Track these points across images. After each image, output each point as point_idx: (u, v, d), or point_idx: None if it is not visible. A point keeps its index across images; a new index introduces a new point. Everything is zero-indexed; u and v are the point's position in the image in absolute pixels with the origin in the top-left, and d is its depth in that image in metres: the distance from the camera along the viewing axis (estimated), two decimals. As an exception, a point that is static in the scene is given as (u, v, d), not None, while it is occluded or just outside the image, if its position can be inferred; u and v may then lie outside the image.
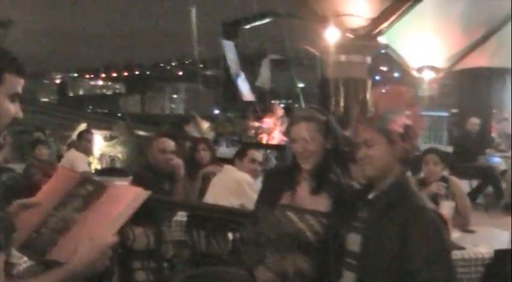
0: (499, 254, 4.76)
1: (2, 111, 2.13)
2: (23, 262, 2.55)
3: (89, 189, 2.48)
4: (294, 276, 3.51)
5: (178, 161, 6.69)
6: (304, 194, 3.61)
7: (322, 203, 3.53)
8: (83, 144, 10.50)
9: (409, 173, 3.24)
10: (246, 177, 6.58)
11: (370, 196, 3.18)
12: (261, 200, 3.83)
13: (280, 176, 3.80)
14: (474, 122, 13.20)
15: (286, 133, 3.76)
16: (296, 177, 3.66)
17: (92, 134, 11.29)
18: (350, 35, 14.27)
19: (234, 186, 6.35)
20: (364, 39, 14.29)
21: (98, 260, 2.21)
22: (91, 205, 2.42)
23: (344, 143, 3.64)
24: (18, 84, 2.16)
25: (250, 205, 5.51)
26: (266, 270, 3.59)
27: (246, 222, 3.85)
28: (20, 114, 2.20)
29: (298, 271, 3.49)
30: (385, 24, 14.28)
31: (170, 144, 6.61)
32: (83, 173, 3.01)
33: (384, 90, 3.33)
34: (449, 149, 12.95)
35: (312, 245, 3.45)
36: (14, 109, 2.16)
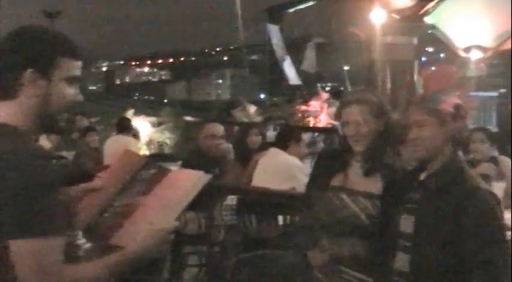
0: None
1: (59, 95, 2.16)
2: (88, 244, 2.58)
3: (151, 173, 2.48)
4: (349, 259, 3.54)
5: (227, 146, 6.75)
6: (356, 176, 3.62)
7: (374, 185, 3.53)
8: (131, 130, 10.66)
9: (460, 153, 3.23)
10: (295, 160, 6.61)
11: (422, 177, 3.19)
12: (312, 182, 3.85)
13: (331, 158, 3.81)
14: None
15: (338, 116, 3.77)
16: (348, 159, 3.67)
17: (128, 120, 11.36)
18: (396, 16, 14.13)
19: (284, 170, 6.38)
20: (410, 20, 14.14)
21: (158, 245, 2.23)
22: (153, 189, 2.43)
23: (395, 125, 3.64)
24: (75, 67, 2.20)
25: (301, 189, 5.54)
26: (321, 253, 3.62)
27: (300, 206, 3.89)
28: (80, 98, 2.24)
29: (353, 254, 3.52)
30: (432, 4, 14.11)
31: (219, 129, 6.66)
32: (146, 156, 3.03)
33: (433, 71, 3.32)
34: (497, 130, 12.78)
35: (367, 228, 3.47)
36: (72, 92, 2.20)
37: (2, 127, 2.08)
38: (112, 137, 10.56)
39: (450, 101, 3.05)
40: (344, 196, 3.58)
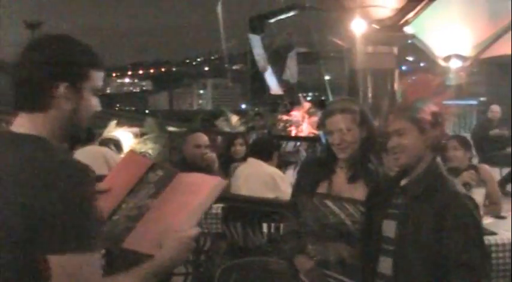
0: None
1: (86, 106, 2.15)
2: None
3: (159, 175, 2.42)
4: (335, 264, 3.62)
5: (212, 155, 6.80)
6: (340, 183, 3.71)
7: (358, 192, 3.62)
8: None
9: (438, 159, 3.32)
10: (276, 170, 6.68)
11: (404, 183, 3.28)
12: (298, 190, 3.92)
13: (316, 166, 3.90)
14: (495, 109, 13.23)
15: (321, 125, 3.85)
16: (332, 167, 3.76)
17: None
18: (376, 26, 14.29)
19: (268, 180, 6.43)
20: (391, 30, 14.30)
21: (184, 252, 2.19)
22: (162, 191, 2.38)
23: (379, 133, 3.73)
24: (100, 78, 2.18)
25: (284, 198, 5.61)
26: (307, 259, 3.70)
27: (286, 213, 3.96)
28: (99, 108, 2.22)
29: (339, 259, 3.60)
30: (411, 14, 14.28)
31: (204, 138, 6.73)
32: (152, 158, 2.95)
33: (411, 80, 3.42)
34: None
35: (352, 233, 3.55)
36: (96, 103, 2.20)
37: (39, 140, 2.05)
38: (81, 149, 9.93)
39: (428, 108, 3.14)
40: (330, 203, 3.66)
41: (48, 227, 1.90)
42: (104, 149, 9.80)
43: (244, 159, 7.44)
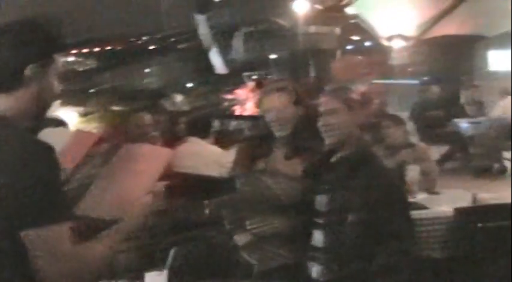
0: (460, 212, 5.00)
1: (51, 89, 2.22)
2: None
3: (105, 147, 2.52)
4: (272, 237, 3.75)
5: (154, 135, 6.83)
6: (277, 160, 3.82)
7: (294, 168, 3.74)
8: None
9: (368, 136, 3.46)
10: (217, 148, 6.74)
11: (335, 159, 3.41)
12: (237, 167, 4.03)
13: (254, 143, 4.01)
14: (434, 90, 13.53)
15: (259, 104, 3.97)
16: (270, 144, 3.87)
17: None
18: (318, 6, 14.36)
19: (212, 158, 6.48)
20: (333, 10, 14.40)
21: (143, 218, 2.29)
22: (110, 161, 2.45)
23: (314, 111, 3.85)
24: (61, 61, 2.26)
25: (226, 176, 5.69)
26: (246, 232, 3.82)
27: (225, 189, 4.08)
28: (58, 91, 2.28)
29: (275, 232, 3.73)
30: (353, -6, 14.37)
31: (147, 118, 6.76)
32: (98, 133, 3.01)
33: (340, 62, 3.55)
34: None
35: (287, 207, 3.68)
36: (59, 86, 2.26)
37: (4, 120, 2.12)
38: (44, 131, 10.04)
39: (357, 89, 3.28)
40: (266, 179, 3.78)
41: (20, 203, 1.98)
42: (60, 130, 9.79)
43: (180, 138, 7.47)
